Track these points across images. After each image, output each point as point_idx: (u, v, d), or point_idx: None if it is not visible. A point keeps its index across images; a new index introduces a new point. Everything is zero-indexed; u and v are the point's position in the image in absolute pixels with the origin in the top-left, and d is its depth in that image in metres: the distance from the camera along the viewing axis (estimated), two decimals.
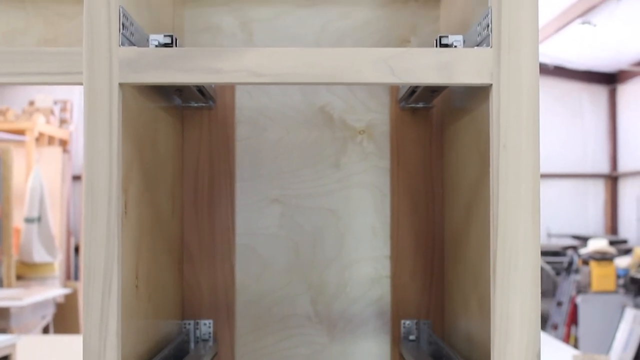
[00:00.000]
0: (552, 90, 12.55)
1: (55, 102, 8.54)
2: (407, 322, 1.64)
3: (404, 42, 1.65)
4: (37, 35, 1.61)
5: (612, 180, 12.99)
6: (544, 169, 12.37)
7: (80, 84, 1.07)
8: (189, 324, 1.63)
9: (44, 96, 8.27)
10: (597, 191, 13.11)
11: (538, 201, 1.08)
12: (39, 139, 7.81)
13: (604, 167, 13.09)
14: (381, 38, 1.65)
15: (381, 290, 1.66)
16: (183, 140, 1.65)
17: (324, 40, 1.65)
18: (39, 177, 7.23)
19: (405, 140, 1.66)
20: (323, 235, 1.66)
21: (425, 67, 1.08)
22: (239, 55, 1.08)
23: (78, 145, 9.64)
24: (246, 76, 1.07)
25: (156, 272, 1.38)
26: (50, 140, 8.17)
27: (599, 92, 13.01)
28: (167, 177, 1.48)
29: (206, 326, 1.63)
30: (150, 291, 1.32)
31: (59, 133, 8.30)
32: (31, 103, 8.29)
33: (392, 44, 1.65)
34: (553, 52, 11.32)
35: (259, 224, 1.66)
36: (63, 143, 8.48)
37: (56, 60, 1.08)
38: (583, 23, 9.48)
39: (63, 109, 8.64)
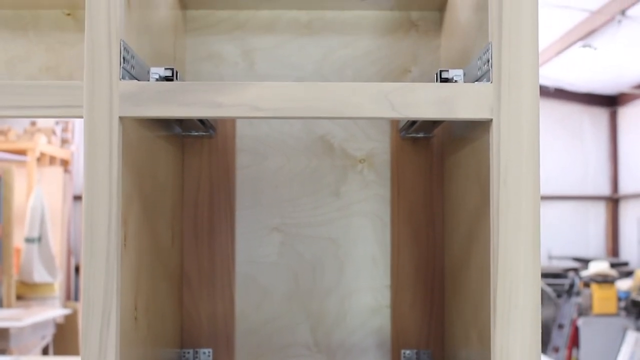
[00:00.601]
0: (553, 112, 12.56)
1: (57, 122, 8.54)
2: (407, 352, 1.64)
3: (405, 72, 1.66)
4: (38, 63, 1.61)
5: (613, 202, 12.98)
6: (545, 190, 12.36)
7: (81, 117, 1.07)
8: (188, 352, 1.62)
9: None
10: (598, 213, 13.10)
11: (538, 237, 1.08)
12: (40, 159, 7.80)
13: (605, 189, 13.08)
14: (382, 67, 1.66)
15: (381, 320, 1.66)
16: (183, 169, 1.65)
17: (325, 69, 1.65)
18: (40, 197, 7.22)
19: (405, 169, 1.66)
20: (323, 264, 1.66)
21: (426, 102, 1.08)
22: (239, 89, 1.08)
23: (79, 165, 9.64)
24: (247, 110, 1.07)
25: (155, 302, 1.37)
26: (52, 160, 8.17)
27: (600, 115, 13.03)
28: (167, 205, 1.48)
29: (205, 355, 1.63)
30: (149, 321, 1.32)
31: (60, 153, 8.30)
32: (33, 123, 8.29)
33: (393, 73, 1.65)
34: (554, 74, 11.34)
35: (259, 252, 1.66)
36: (64, 163, 8.47)
37: (57, 94, 1.08)
38: (584, 46, 9.50)
39: (65, 129, 8.65)
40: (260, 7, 1.64)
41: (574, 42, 9.55)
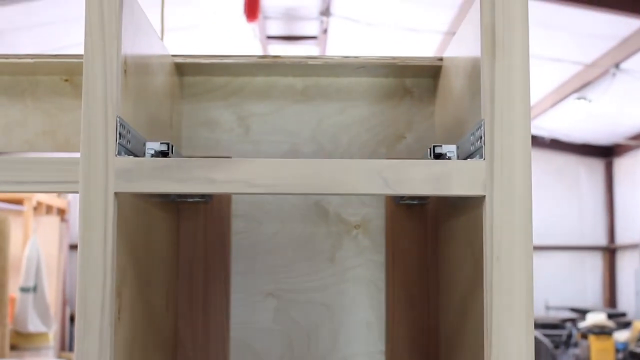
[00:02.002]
0: (549, 163, 12.62)
1: None
2: None
3: (399, 138, 1.67)
4: (35, 128, 1.62)
5: (610, 252, 12.96)
6: (542, 241, 12.36)
7: (77, 192, 1.07)
8: None
9: None
10: (595, 264, 13.08)
11: (532, 314, 1.08)
12: (37, 208, 7.81)
13: (602, 240, 13.08)
14: (377, 134, 1.67)
15: None
16: (178, 234, 1.65)
17: (320, 136, 1.66)
18: (36, 246, 7.21)
19: (400, 235, 1.66)
20: (318, 330, 1.65)
21: (419, 178, 1.09)
22: (233, 165, 1.09)
23: (76, 214, 9.63)
24: (241, 187, 1.08)
25: None
26: (48, 209, 8.17)
27: (596, 165, 13.08)
28: (162, 272, 1.48)
29: None
30: None
31: (57, 202, 8.30)
32: None
33: (387, 139, 1.67)
34: (549, 125, 11.42)
35: (253, 318, 1.65)
36: (61, 212, 8.47)
37: (53, 170, 1.09)
38: (579, 98, 9.58)
39: None
40: (256, 73, 1.66)
41: (569, 94, 9.65)
